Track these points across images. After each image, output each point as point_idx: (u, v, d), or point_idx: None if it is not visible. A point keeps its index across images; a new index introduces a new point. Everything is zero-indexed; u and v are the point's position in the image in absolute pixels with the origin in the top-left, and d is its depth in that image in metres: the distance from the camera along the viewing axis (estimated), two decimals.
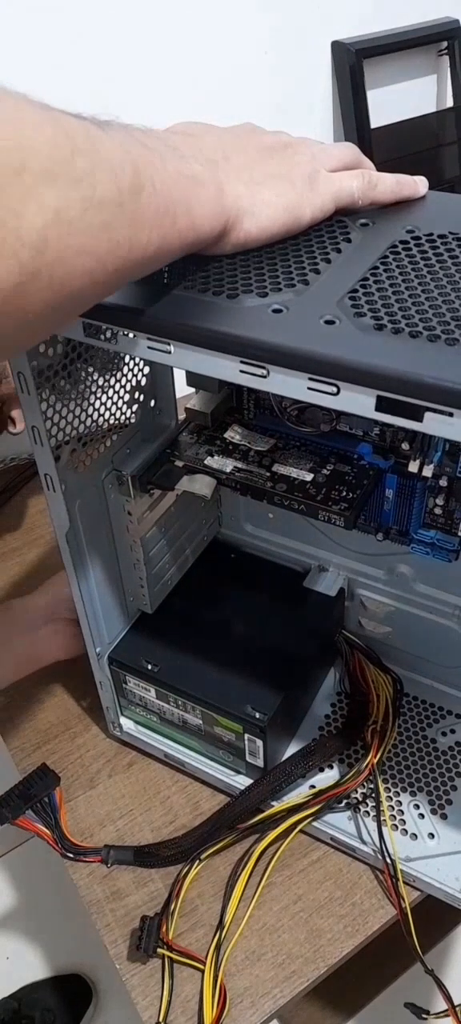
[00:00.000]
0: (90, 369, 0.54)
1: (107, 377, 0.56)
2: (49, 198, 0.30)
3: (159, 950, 0.55)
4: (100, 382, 0.56)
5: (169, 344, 0.40)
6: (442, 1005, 0.53)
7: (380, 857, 0.57)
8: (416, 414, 0.34)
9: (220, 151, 0.43)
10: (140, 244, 0.35)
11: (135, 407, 0.61)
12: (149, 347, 0.41)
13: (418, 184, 0.50)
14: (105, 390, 0.57)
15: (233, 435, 0.59)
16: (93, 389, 0.55)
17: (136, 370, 0.60)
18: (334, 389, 0.36)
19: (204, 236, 0.40)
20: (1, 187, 0.28)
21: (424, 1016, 0.55)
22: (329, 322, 0.37)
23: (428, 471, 0.53)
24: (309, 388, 0.36)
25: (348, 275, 0.41)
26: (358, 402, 0.35)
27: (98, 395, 0.56)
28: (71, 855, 0.61)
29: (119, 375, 0.58)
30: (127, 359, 0.58)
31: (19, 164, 0.29)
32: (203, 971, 0.54)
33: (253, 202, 0.42)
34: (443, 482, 0.55)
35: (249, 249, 0.44)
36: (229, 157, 0.43)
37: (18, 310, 0.30)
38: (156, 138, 0.38)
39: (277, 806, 0.60)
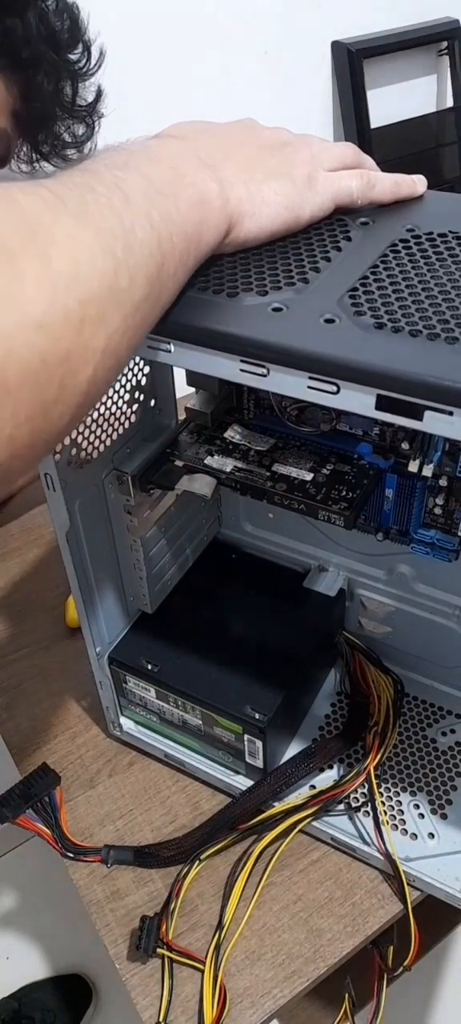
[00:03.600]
0: None
1: None
2: (100, 340, 0.31)
3: (159, 950, 0.55)
4: None
5: (169, 343, 0.40)
6: (441, 1001, 0.53)
7: (380, 857, 0.57)
8: (416, 413, 0.34)
9: (219, 152, 0.43)
10: (162, 305, 0.37)
11: (135, 407, 0.61)
12: (149, 346, 0.41)
13: (416, 184, 0.50)
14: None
15: (233, 435, 0.59)
16: None
17: (136, 369, 0.60)
18: (334, 388, 0.36)
19: (211, 250, 0.41)
20: (67, 355, 0.29)
21: None
22: (329, 321, 0.37)
23: (428, 471, 0.53)
24: (309, 387, 0.37)
25: (348, 273, 0.41)
26: (358, 401, 0.36)
27: None
28: (71, 855, 0.61)
29: (119, 374, 0.58)
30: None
31: (79, 320, 0.29)
32: (203, 971, 0.54)
33: (253, 203, 0.43)
34: (443, 482, 0.55)
35: (249, 247, 0.44)
36: (229, 157, 0.43)
37: (61, 434, 0.32)
38: (163, 175, 0.38)
39: (277, 807, 0.60)
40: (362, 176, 0.48)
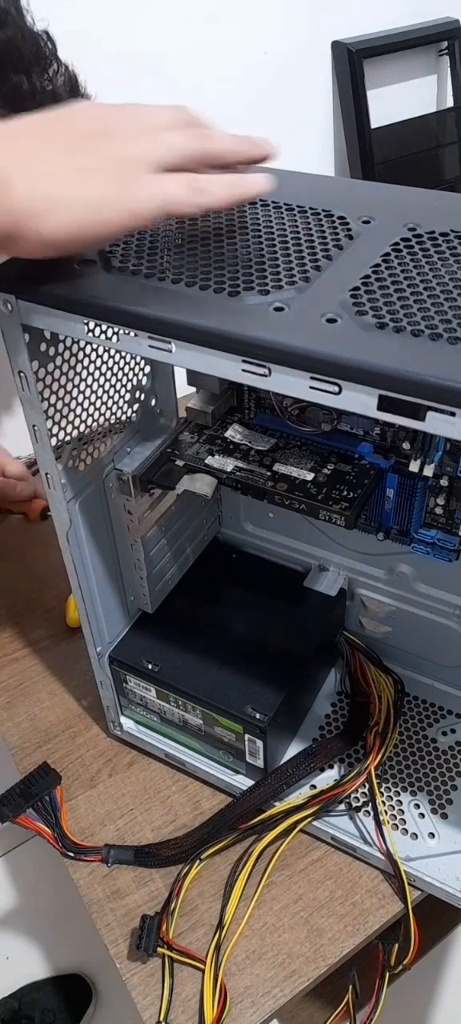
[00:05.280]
0: (92, 368, 0.54)
1: (108, 376, 0.56)
2: None
3: (159, 950, 0.55)
4: (101, 381, 0.56)
5: (170, 343, 0.40)
6: (441, 1001, 0.53)
7: (381, 856, 0.57)
8: (418, 413, 0.34)
9: (10, 134, 0.38)
10: None
11: (136, 406, 0.61)
12: (150, 346, 0.41)
13: (255, 182, 0.43)
14: (106, 389, 0.57)
15: (234, 434, 0.59)
16: (94, 388, 0.55)
17: (137, 369, 0.60)
18: (336, 388, 0.36)
19: None
20: None
21: None
22: (331, 320, 0.37)
23: (429, 471, 0.53)
24: (311, 387, 0.37)
25: (350, 272, 0.41)
26: (360, 401, 0.35)
27: (99, 394, 0.56)
28: (71, 854, 0.61)
29: (120, 374, 0.58)
30: (128, 357, 0.58)
31: None
32: (203, 971, 0.54)
33: (50, 202, 0.37)
34: (444, 482, 0.55)
35: (246, 243, 0.44)
36: (31, 135, 0.38)
37: None
38: None
39: (278, 806, 0.60)
40: (189, 183, 0.40)
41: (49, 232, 0.37)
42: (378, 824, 0.58)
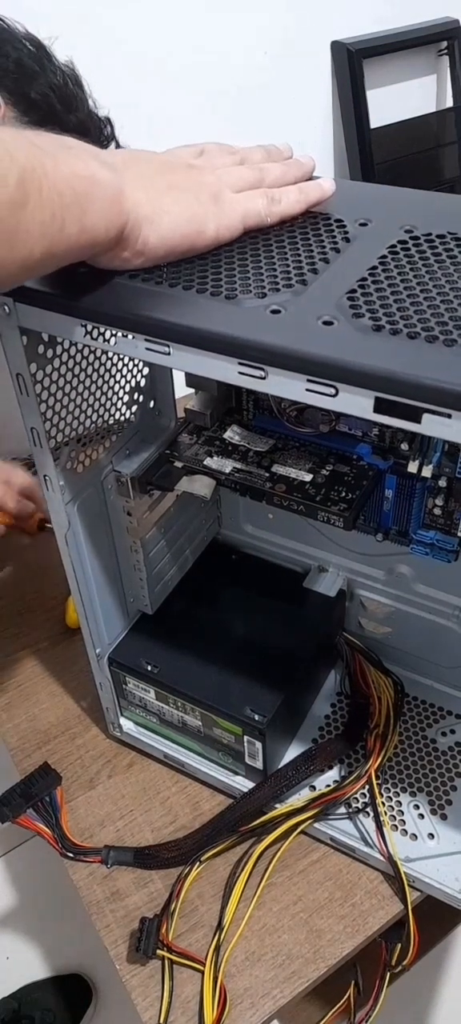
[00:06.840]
0: (90, 370, 0.54)
1: (107, 378, 0.56)
2: None
3: (159, 951, 0.55)
4: (99, 383, 0.56)
5: (168, 346, 0.40)
6: (441, 1001, 0.53)
7: (380, 858, 0.57)
8: (414, 415, 0.34)
9: (118, 157, 0.43)
10: (21, 255, 0.35)
11: (134, 408, 0.61)
12: (147, 348, 0.41)
13: (323, 186, 0.50)
14: (105, 391, 0.57)
15: (232, 436, 0.59)
16: (92, 390, 0.55)
17: (135, 371, 0.60)
18: (332, 390, 0.36)
19: (99, 240, 0.39)
20: None
21: None
22: (327, 323, 0.37)
23: (427, 472, 0.53)
24: (307, 390, 0.36)
25: (346, 275, 0.41)
26: (356, 403, 0.35)
27: (97, 396, 0.56)
28: (71, 855, 0.61)
29: (118, 376, 0.58)
30: (126, 359, 0.58)
31: None
32: (203, 972, 0.54)
33: (153, 209, 0.41)
34: (442, 483, 0.55)
35: (243, 246, 0.44)
36: (128, 164, 0.43)
37: None
38: (49, 138, 0.38)
39: (278, 809, 0.60)
40: (266, 195, 0.46)
41: (155, 238, 0.42)
42: (378, 825, 0.58)
